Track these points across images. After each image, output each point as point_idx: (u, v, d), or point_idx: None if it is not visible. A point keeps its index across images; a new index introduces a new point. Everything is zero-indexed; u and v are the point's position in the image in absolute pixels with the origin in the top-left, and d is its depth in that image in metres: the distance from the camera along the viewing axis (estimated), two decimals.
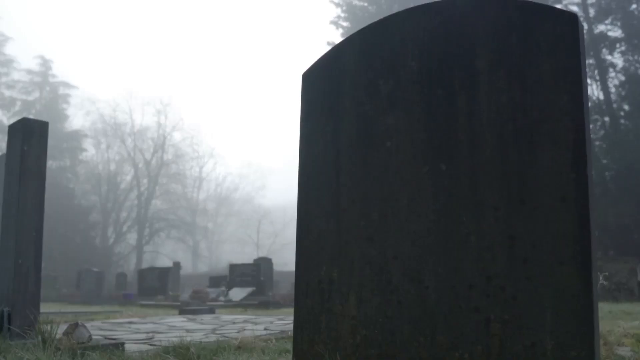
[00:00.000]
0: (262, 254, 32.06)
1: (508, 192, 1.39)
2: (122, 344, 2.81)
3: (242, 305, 10.62)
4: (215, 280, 15.67)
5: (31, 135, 3.25)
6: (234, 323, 4.91)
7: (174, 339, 3.11)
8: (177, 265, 18.96)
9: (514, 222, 1.37)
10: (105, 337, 3.52)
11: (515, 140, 1.40)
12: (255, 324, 4.80)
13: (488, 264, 1.39)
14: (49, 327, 2.64)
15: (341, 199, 1.67)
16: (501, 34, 1.45)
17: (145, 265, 30.64)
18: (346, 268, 1.63)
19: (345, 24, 27.08)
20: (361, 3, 26.87)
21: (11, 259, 3.11)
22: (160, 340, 3.42)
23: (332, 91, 1.75)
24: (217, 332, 4.01)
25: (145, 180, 33.55)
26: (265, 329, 4.14)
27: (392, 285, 1.54)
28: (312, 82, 1.82)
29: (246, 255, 38.62)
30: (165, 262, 33.10)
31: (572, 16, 1.37)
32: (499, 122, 1.43)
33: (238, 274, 14.33)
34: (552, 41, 1.37)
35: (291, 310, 7.09)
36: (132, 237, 33.44)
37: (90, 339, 2.73)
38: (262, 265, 14.70)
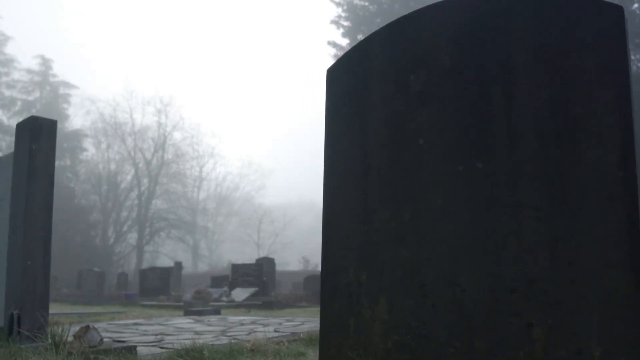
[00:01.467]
0: (262, 254, 32.01)
1: (550, 191, 1.34)
2: (134, 347, 2.75)
3: (245, 306, 10.56)
4: (217, 280, 15.60)
5: (39, 133, 3.19)
6: (242, 325, 4.85)
7: (185, 342, 3.06)
8: (178, 265, 18.90)
9: (557, 223, 1.32)
10: (114, 340, 3.47)
11: (557, 137, 1.35)
12: (264, 325, 4.75)
13: (529, 267, 1.34)
14: (59, 330, 2.58)
15: (370, 199, 1.62)
16: (540, 27, 1.39)
17: (145, 265, 30.57)
18: (376, 270, 1.58)
19: (346, 23, 27.01)
20: (362, 2, 26.79)
21: (19, 260, 3.05)
22: (170, 343, 3.37)
23: (359, 87, 1.70)
24: (227, 334, 3.95)
25: (145, 180, 33.46)
26: (275, 331, 4.08)
27: (426, 289, 1.48)
28: (337, 78, 1.76)
29: (246, 255, 38.53)
30: (165, 261, 33.03)
31: (618, 8, 1.31)
32: (538, 118, 1.37)
33: (240, 274, 14.27)
34: (596, 34, 1.31)
35: (295, 310, 7.07)
36: (132, 237, 33.35)
37: (102, 343, 2.67)
38: (265, 265, 14.64)
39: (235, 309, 9.70)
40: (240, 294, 12.69)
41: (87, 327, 2.66)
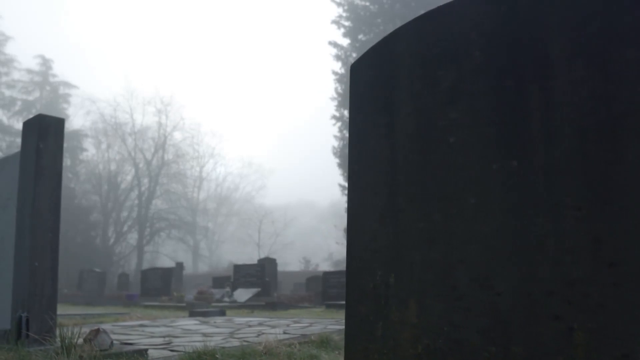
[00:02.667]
0: (263, 254, 31.96)
1: (591, 190, 1.28)
2: (145, 350, 2.70)
3: (248, 307, 10.51)
4: (219, 281, 15.56)
5: (47, 132, 3.14)
6: (249, 326, 4.80)
7: (196, 344, 3.01)
8: (179, 265, 18.85)
9: (598, 223, 1.26)
10: (122, 342, 3.41)
11: (597, 135, 1.29)
12: (272, 327, 4.69)
13: (569, 269, 1.28)
14: (69, 333, 2.52)
15: (398, 198, 1.56)
16: (580, 20, 1.34)
17: (145, 265, 30.51)
18: (405, 272, 1.52)
19: (346, 23, 26.97)
20: (363, 3, 26.77)
21: (27, 262, 3.00)
22: (180, 346, 3.31)
23: (385, 83, 1.64)
24: (236, 336, 3.90)
25: (145, 180, 33.39)
26: (284, 333, 4.03)
27: (458, 291, 1.42)
28: (361, 74, 1.71)
29: (246, 255, 38.53)
30: (165, 262, 32.99)
31: None
32: (578, 115, 1.32)
33: (242, 274, 14.23)
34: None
35: (299, 311, 7.03)
36: (132, 237, 33.30)
37: (112, 346, 2.62)
38: (267, 266, 14.59)
39: (238, 310, 9.65)
40: (242, 294, 12.64)
41: (98, 330, 2.60)
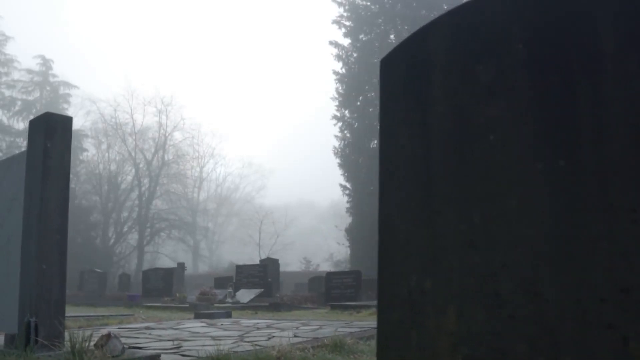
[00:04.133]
0: (263, 254, 31.86)
1: None
2: (158, 356, 2.62)
3: (251, 307, 10.43)
4: (221, 281, 15.48)
5: (54, 130, 3.06)
6: (257, 329, 4.72)
7: (208, 349, 2.93)
8: (181, 265, 18.78)
9: None
10: (131, 346, 3.33)
11: None
12: (281, 329, 4.62)
13: (624, 274, 1.21)
14: (79, 338, 2.44)
15: (433, 199, 1.49)
16: (633, 11, 1.26)
17: (145, 265, 30.41)
18: (442, 277, 1.45)
19: (347, 23, 26.89)
20: (364, 2, 26.69)
21: (34, 264, 2.92)
22: (190, 350, 3.24)
23: (418, 79, 1.57)
24: (246, 339, 3.82)
25: (146, 180, 33.30)
26: (295, 336, 3.95)
27: (502, 298, 1.35)
28: (393, 69, 1.64)
29: (246, 256, 38.45)
30: (165, 262, 32.89)
31: None
32: (631, 112, 1.24)
33: (244, 274, 14.16)
34: None
35: (303, 312, 6.94)
36: (132, 238, 33.21)
37: (124, 351, 2.54)
38: (269, 266, 14.51)
39: (241, 311, 9.57)
40: (245, 295, 12.56)
41: (109, 335, 2.53)
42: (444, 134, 1.50)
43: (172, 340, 3.84)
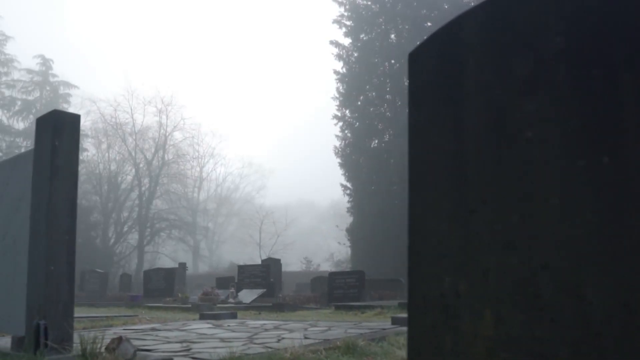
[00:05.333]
0: (264, 254, 31.79)
1: None
2: (170, 359, 2.56)
3: (255, 308, 10.37)
4: (222, 281, 15.40)
5: (62, 129, 3.00)
6: (265, 330, 4.66)
7: (220, 351, 2.88)
8: (182, 265, 18.72)
9: None
10: (140, 348, 3.28)
11: None
12: (289, 330, 4.56)
13: None
14: (91, 341, 2.38)
15: (467, 199, 1.43)
16: None
17: (146, 265, 30.34)
18: (477, 279, 1.39)
19: (348, 22, 26.82)
20: (364, 2, 26.61)
21: (42, 265, 2.86)
22: (200, 352, 3.18)
23: (450, 73, 1.51)
24: (255, 341, 3.76)
25: (146, 180, 33.21)
26: (305, 338, 3.89)
27: (542, 300, 1.29)
28: (422, 63, 1.58)
29: (247, 256, 38.38)
30: (165, 262, 32.82)
31: None
32: None
33: (247, 275, 14.10)
34: None
35: (307, 313, 6.87)
36: (132, 238, 33.12)
37: (135, 355, 2.48)
38: (271, 266, 14.45)
39: (245, 311, 9.51)
40: (247, 295, 12.50)
41: (120, 338, 2.47)
42: (478, 130, 1.44)
43: (181, 342, 3.78)
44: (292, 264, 32.40)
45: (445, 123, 1.50)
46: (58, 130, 2.97)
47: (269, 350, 3.14)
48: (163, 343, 3.75)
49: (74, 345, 2.73)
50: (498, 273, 1.36)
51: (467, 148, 1.45)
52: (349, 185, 25.17)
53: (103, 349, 2.42)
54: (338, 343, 3.33)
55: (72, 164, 3.01)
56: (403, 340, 3.71)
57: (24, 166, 3.26)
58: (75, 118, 3.08)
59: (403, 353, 3.12)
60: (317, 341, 3.60)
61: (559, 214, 1.29)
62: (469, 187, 1.43)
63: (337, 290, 12.31)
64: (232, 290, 12.87)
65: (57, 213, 2.91)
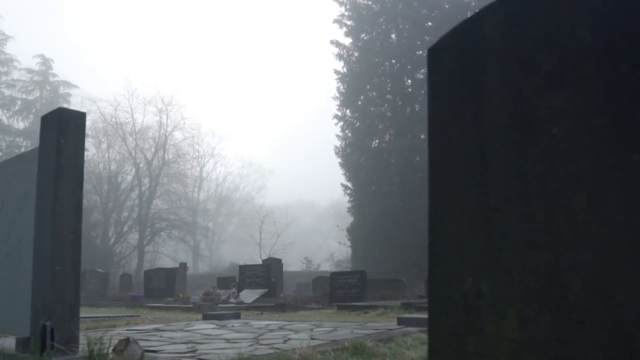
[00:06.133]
0: (264, 254, 31.74)
1: None
2: None
3: (257, 308, 10.32)
4: (223, 281, 15.36)
5: (67, 127, 2.96)
6: (270, 330, 4.62)
7: (228, 352, 2.84)
8: (183, 265, 18.68)
9: None
10: (146, 350, 3.24)
11: None
12: (294, 331, 4.52)
13: None
14: (99, 343, 2.35)
15: (490, 197, 1.39)
16: None
17: (146, 265, 30.29)
18: (501, 280, 1.35)
19: (349, 22, 26.78)
20: (365, 2, 26.57)
21: (47, 266, 2.83)
22: (207, 354, 3.14)
23: (471, 68, 1.47)
24: (261, 342, 3.72)
25: (146, 180, 33.15)
26: (312, 338, 3.86)
27: (569, 302, 1.25)
28: (442, 58, 1.54)
29: (247, 256, 38.34)
30: (166, 262, 32.77)
31: None
32: None
33: (248, 275, 14.06)
34: None
35: (309, 313, 6.81)
36: (132, 237, 33.07)
37: (143, 357, 2.45)
38: (273, 266, 14.41)
39: (246, 311, 9.47)
40: (249, 295, 12.46)
41: (127, 340, 2.43)
42: (501, 127, 1.40)
43: (186, 343, 3.74)
44: (292, 263, 32.34)
45: (467, 119, 1.46)
46: (63, 128, 2.93)
47: (277, 351, 3.10)
48: (168, 344, 3.71)
49: (80, 346, 2.70)
50: (523, 273, 1.32)
51: (490, 144, 1.41)
52: (349, 185, 25.14)
53: (110, 351, 2.38)
54: (346, 344, 3.29)
55: (77, 163, 2.97)
56: (411, 340, 3.67)
57: (27, 165, 3.22)
58: (81, 116, 3.04)
59: (412, 354, 3.09)
60: (324, 342, 3.56)
61: (586, 212, 1.26)
62: (492, 185, 1.40)
63: (338, 290, 12.27)
64: (234, 290, 12.83)
65: (63, 212, 2.88)
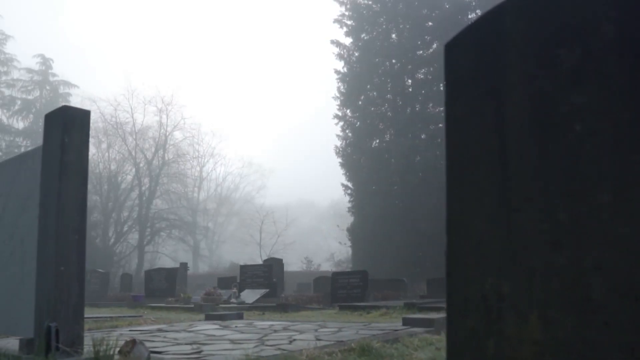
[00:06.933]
0: (264, 254, 31.71)
1: None
2: None
3: (258, 308, 10.29)
4: (224, 281, 15.32)
5: (72, 125, 2.93)
6: (275, 331, 4.59)
7: (235, 353, 2.81)
8: (183, 265, 18.65)
9: None
10: (150, 351, 3.20)
11: None
12: (299, 332, 4.49)
13: None
14: (105, 345, 2.31)
15: (511, 196, 1.36)
16: None
17: (146, 265, 30.25)
18: (522, 281, 1.32)
19: (349, 22, 26.74)
20: (366, 1, 26.53)
21: (52, 266, 2.79)
22: (213, 355, 3.11)
23: (491, 64, 1.44)
24: (267, 343, 3.69)
25: (146, 180, 33.10)
26: (317, 339, 3.82)
27: (594, 303, 1.22)
28: (460, 54, 1.51)
29: (247, 256, 38.31)
30: (166, 262, 32.74)
31: None
32: None
33: (249, 275, 14.03)
34: None
35: (311, 313, 6.76)
36: (132, 237, 33.03)
37: (150, 358, 2.41)
38: (274, 266, 14.38)
39: (248, 311, 9.43)
40: (250, 295, 12.43)
41: (134, 341, 2.40)
42: (522, 125, 1.37)
43: (190, 344, 3.71)
44: (292, 263, 32.31)
45: (486, 116, 1.43)
46: (68, 127, 2.90)
47: (284, 352, 3.07)
48: (172, 345, 3.68)
49: (85, 347, 2.66)
50: (545, 274, 1.29)
51: (510, 143, 1.38)
52: (349, 185, 25.11)
53: (116, 352, 2.35)
54: (353, 345, 3.26)
55: (82, 161, 2.93)
56: (417, 341, 3.64)
57: (31, 164, 3.19)
58: (85, 114, 3.00)
59: (420, 355, 3.06)
60: (330, 343, 3.52)
61: (611, 211, 1.22)
62: (512, 184, 1.36)
63: (340, 290, 12.24)
64: (235, 290, 12.79)
65: (67, 212, 2.84)
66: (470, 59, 1.48)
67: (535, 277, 1.30)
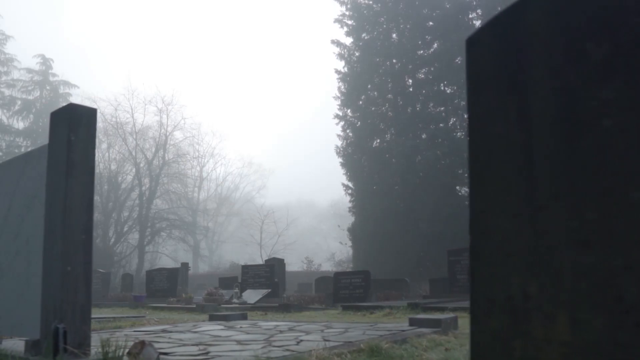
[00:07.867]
0: (265, 254, 31.68)
1: None
2: None
3: (260, 308, 10.26)
4: (225, 281, 15.29)
5: (79, 123, 2.89)
6: (280, 332, 4.56)
7: (244, 354, 2.78)
8: (184, 265, 18.60)
9: None
10: (160, 353, 3.17)
11: None
12: (305, 332, 4.45)
13: None
14: (113, 346, 2.28)
15: (537, 194, 1.33)
16: None
17: (146, 265, 30.22)
18: (550, 280, 1.29)
19: (350, 22, 26.70)
20: (366, 1, 26.50)
21: (58, 266, 2.76)
22: (221, 356, 3.07)
23: (514, 58, 1.41)
24: (274, 344, 3.66)
25: (146, 180, 33.06)
26: (324, 340, 3.79)
27: (625, 303, 1.19)
28: (482, 49, 1.48)
29: (247, 255, 38.28)
30: (166, 262, 32.71)
31: None
32: None
33: (251, 275, 14.00)
34: None
35: (314, 313, 6.71)
36: (133, 237, 32.98)
37: None
38: (276, 266, 14.34)
39: (250, 312, 9.40)
40: (252, 295, 12.39)
41: (143, 343, 2.37)
42: (548, 120, 1.34)
43: (196, 344, 3.68)
44: (292, 263, 32.28)
45: (510, 111, 1.39)
46: (74, 125, 2.86)
47: (293, 353, 3.03)
48: (178, 346, 3.64)
49: (92, 349, 2.63)
50: (573, 274, 1.26)
51: (536, 140, 1.35)
52: (350, 185, 25.08)
53: (125, 353, 2.32)
54: (362, 346, 3.23)
55: (88, 160, 2.90)
56: (426, 342, 3.61)
57: (37, 163, 3.15)
58: (92, 112, 2.97)
59: (430, 355, 3.02)
60: (338, 343, 3.49)
61: None
62: (539, 182, 1.33)
63: (342, 290, 12.21)
64: (236, 290, 12.75)
65: (73, 211, 2.81)
66: (493, 54, 1.45)
67: (563, 276, 1.27)
